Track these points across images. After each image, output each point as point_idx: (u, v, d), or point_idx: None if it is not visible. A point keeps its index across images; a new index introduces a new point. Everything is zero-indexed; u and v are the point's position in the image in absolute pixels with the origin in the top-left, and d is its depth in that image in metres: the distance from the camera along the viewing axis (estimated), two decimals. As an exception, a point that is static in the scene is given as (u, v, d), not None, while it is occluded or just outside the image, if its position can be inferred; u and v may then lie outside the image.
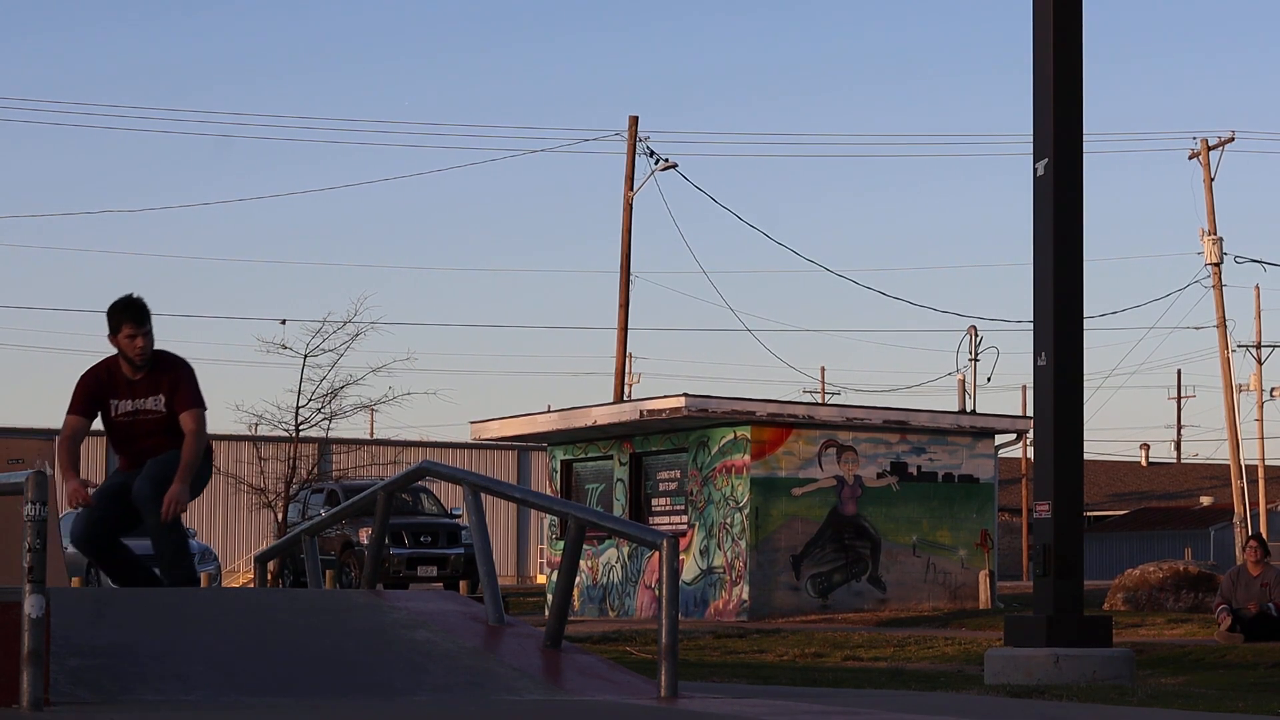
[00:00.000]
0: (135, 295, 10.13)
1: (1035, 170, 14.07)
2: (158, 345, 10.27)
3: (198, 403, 10.21)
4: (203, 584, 31.91)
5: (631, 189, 43.89)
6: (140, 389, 10.20)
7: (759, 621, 25.49)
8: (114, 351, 10.27)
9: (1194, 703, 10.29)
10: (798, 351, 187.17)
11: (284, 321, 77.00)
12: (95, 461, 61.11)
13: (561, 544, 23.32)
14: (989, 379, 65.04)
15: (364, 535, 32.28)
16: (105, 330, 10.15)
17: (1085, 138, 14.14)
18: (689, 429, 28.40)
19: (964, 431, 29.35)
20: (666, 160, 44.07)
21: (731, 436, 27.75)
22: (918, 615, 26.43)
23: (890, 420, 28.78)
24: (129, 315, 10.09)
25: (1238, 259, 50.36)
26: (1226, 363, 50.39)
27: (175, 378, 10.21)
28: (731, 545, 27.53)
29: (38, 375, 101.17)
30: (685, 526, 28.32)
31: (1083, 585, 13.95)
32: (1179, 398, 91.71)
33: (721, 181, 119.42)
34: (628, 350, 44.84)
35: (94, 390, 10.23)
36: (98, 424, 10.41)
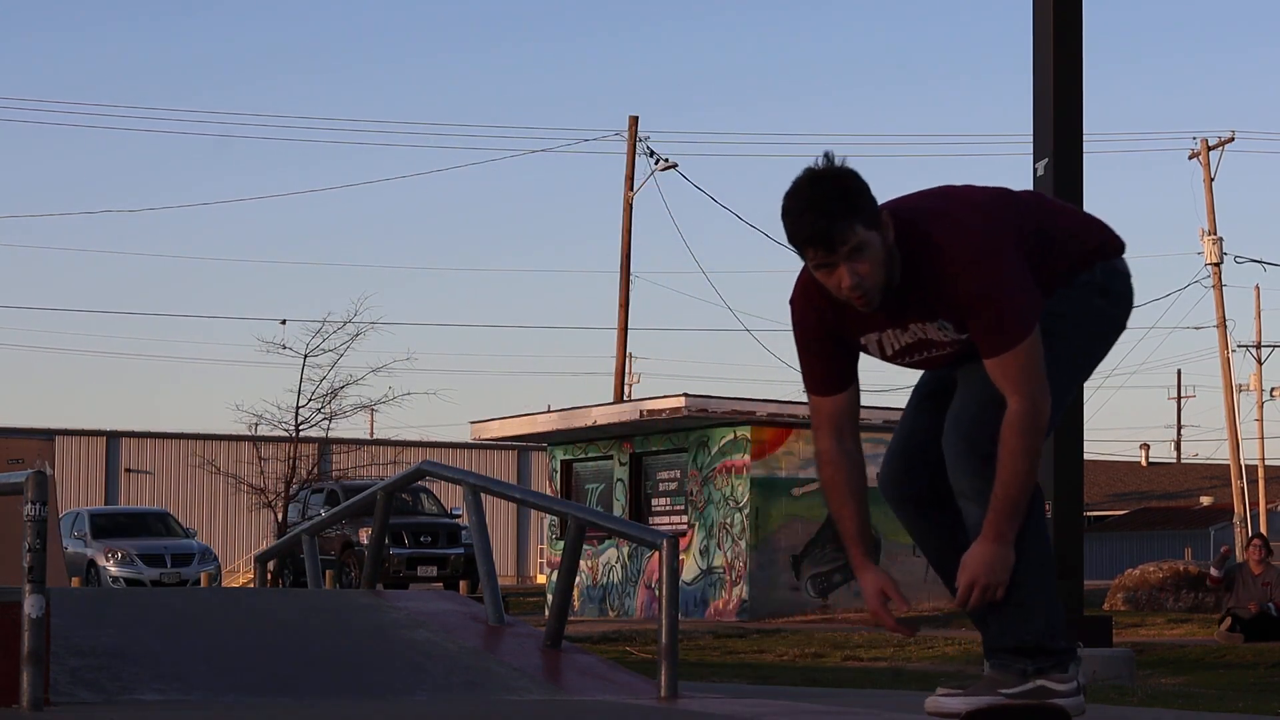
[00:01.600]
0: (816, 177, 4.86)
1: (1035, 170, 14.07)
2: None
3: (1017, 330, 5.00)
4: (203, 584, 32.04)
5: (631, 189, 43.87)
6: (899, 312, 5.21)
7: (759, 621, 25.49)
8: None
9: (1194, 703, 10.28)
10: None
11: (284, 321, 76.80)
12: (95, 460, 60.98)
13: (561, 544, 23.29)
14: (989, 379, 64.77)
15: (364, 535, 32.24)
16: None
17: (1085, 138, 14.15)
18: (689, 429, 28.40)
19: (964, 431, 29.35)
20: (667, 160, 44.07)
21: (731, 437, 27.74)
22: (918, 615, 26.43)
23: (890, 420, 28.70)
24: (802, 238, 4.91)
25: (1238, 259, 50.41)
26: (1226, 363, 50.39)
27: (963, 283, 5.00)
28: (731, 545, 27.53)
29: (38, 375, 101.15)
30: (685, 526, 28.32)
31: (1083, 585, 13.94)
32: (1179, 398, 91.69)
33: (721, 181, 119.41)
34: (628, 350, 44.86)
35: (815, 327, 5.37)
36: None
